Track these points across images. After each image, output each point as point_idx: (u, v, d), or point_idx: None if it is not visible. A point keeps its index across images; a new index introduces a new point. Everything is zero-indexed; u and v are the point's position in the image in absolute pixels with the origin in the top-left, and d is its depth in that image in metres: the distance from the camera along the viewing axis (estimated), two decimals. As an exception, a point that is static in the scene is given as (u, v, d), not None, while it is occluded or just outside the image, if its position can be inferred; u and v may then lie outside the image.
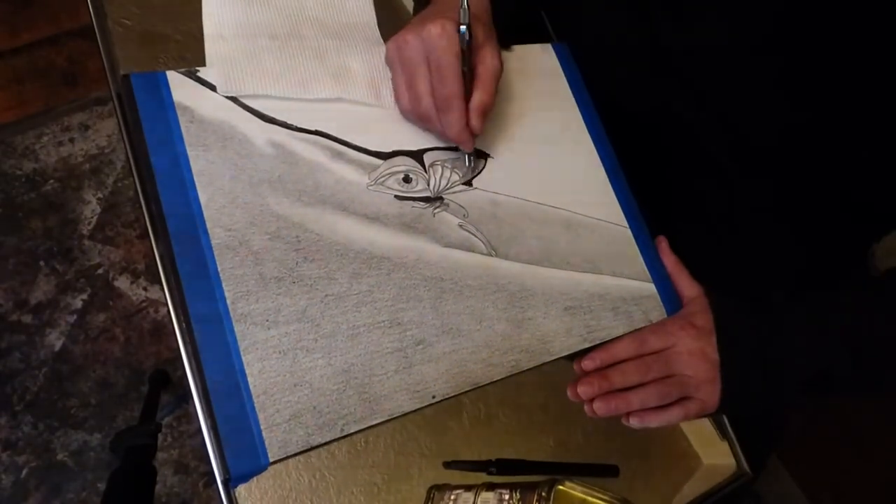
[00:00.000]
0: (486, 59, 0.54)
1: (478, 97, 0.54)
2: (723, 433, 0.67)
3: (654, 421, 0.54)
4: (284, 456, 0.41)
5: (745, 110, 0.62)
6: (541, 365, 0.53)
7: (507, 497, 0.45)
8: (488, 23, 0.57)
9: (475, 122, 0.54)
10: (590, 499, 0.43)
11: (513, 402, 0.59)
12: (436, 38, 0.51)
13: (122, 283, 1.39)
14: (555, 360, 0.53)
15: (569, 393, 0.54)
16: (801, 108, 0.59)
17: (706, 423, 0.68)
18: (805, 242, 0.70)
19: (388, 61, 0.57)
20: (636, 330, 0.58)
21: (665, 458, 0.68)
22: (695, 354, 0.55)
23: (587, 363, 0.55)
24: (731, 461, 0.66)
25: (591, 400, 0.54)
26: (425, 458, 0.54)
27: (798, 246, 0.70)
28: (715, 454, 0.68)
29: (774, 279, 0.71)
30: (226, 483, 0.40)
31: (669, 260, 0.62)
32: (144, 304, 1.39)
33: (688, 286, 0.61)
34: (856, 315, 0.56)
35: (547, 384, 0.60)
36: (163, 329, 1.38)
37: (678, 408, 0.54)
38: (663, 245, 0.63)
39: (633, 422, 0.54)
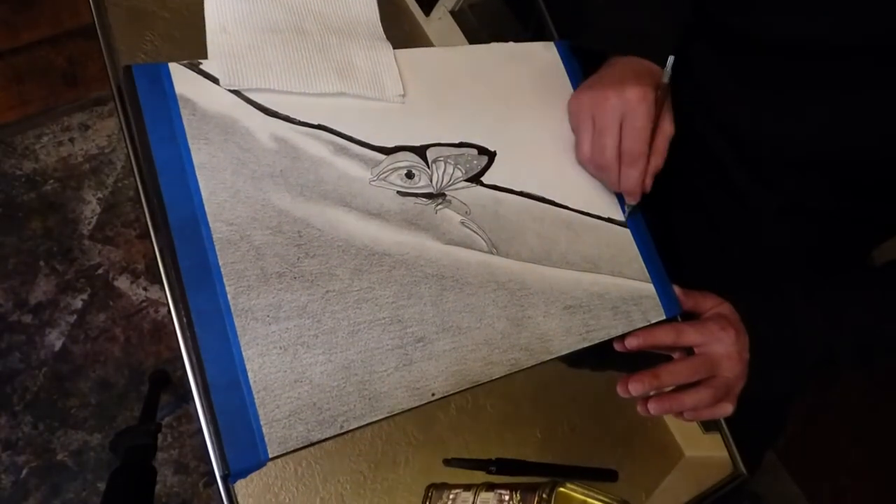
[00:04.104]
0: (665, 125, 0.59)
1: (654, 161, 0.59)
2: (706, 428, 0.68)
3: (707, 416, 0.58)
4: (284, 452, 0.41)
5: (776, 124, 0.63)
6: (540, 364, 0.53)
7: (507, 498, 0.45)
8: (667, 89, 0.60)
9: (649, 181, 0.59)
10: (590, 500, 0.43)
11: (501, 393, 0.59)
12: (636, 102, 0.57)
13: (122, 283, 1.39)
14: (554, 358, 0.53)
15: (618, 389, 0.56)
16: (842, 134, 0.60)
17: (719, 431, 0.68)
18: (808, 247, 0.70)
19: (578, 112, 0.62)
20: (667, 320, 0.60)
21: (649, 450, 0.68)
22: (732, 357, 0.57)
23: (631, 340, 0.57)
24: (715, 453, 0.68)
25: (645, 399, 0.56)
26: (412, 448, 0.54)
27: (801, 250, 0.71)
28: (698, 446, 0.69)
29: (775, 282, 0.72)
30: (225, 478, 0.40)
31: (689, 302, 0.63)
32: (144, 304, 1.38)
33: (712, 299, 0.62)
34: (865, 313, 0.61)
35: (535, 376, 0.60)
36: (163, 329, 1.37)
37: (727, 404, 0.57)
38: (678, 291, 0.63)
39: (687, 416, 0.58)
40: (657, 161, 0.59)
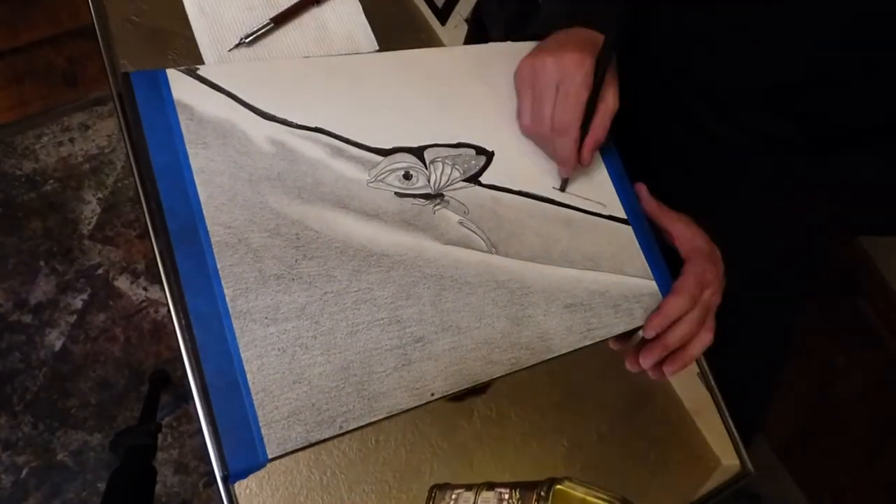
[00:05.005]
0: (608, 99, 0.58)
1: (594, 134, 0.58)
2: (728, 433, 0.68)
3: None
4: (283, 453, 0.41)
5: (762, 99, 0.63)
6: (541, 363, 0.53)
7: (506, 496, 0.45)
8: (614, 63, 0.60)
9: (586, 155, 0.58)
10: (589, 498, 0.43)
11: (525, 403, 0.58)
12: (573, 68, 0.56)
13: (122, 283, 1.39)
14: (555, 357, 0.53)
15: (628, 366, 0.56)
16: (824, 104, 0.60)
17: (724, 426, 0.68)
18: (801, 218, 0.70)
19: (520, 80, 0.61)
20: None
21: (682, 458, 0.67)
22: (718, 291, 0.59)
23: (650, 332, 0.57)
24: (719, 451, 0.67)
25: (654, 366, 0.57)
26: (436, 457, 0.54)
27: (794, 221, 0.70)
28: (732, 454, 0.69)
29: (770, 252, 0.72)
30: (225, 479, 0.40)
31: (650, 206, 0.63)
32: (144, 304, 1.39)
33: (679, 224, 0.62)
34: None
35: (561, 384, 0.59)
36: (163, 329, 1.38)
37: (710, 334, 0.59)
38: (643, 192, 0.64)
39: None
40: (598, 134, 0.58)
